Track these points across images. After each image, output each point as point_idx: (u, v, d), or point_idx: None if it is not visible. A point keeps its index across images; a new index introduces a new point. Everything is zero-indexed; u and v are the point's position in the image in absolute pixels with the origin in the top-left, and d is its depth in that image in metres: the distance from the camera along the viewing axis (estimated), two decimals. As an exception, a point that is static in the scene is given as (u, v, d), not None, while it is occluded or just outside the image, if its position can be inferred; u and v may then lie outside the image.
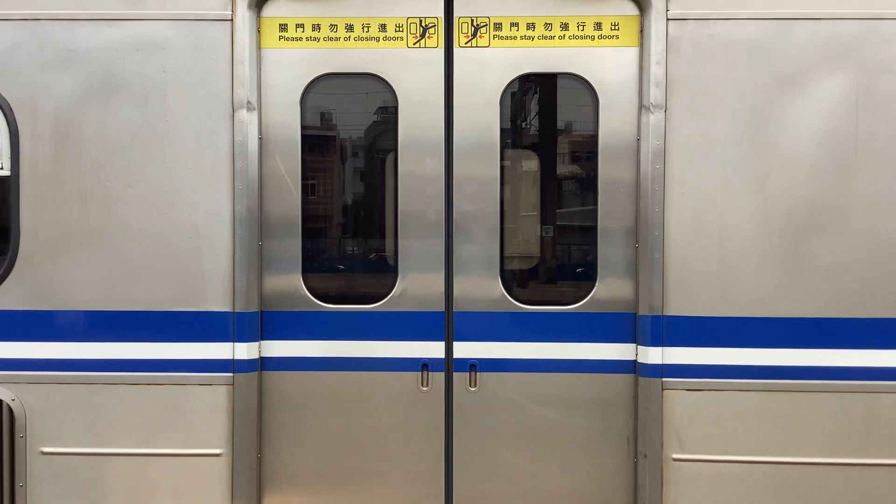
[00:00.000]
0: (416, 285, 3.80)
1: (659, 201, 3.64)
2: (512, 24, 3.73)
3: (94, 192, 3.72)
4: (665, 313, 3.67)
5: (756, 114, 3.62)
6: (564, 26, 3.73)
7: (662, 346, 3.68)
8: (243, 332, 3.73)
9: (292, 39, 3.77)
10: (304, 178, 3.83)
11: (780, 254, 3.65)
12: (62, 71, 3.71)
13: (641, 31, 3.69)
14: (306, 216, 3.85)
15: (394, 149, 3.80)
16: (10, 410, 3.77)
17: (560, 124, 4.05)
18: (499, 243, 3.80)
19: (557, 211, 4.00)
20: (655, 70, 3.63)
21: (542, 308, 3.81)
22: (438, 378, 3.81)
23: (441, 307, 3.80)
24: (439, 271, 3.79)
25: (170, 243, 3.72)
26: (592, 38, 3.73)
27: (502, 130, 3.79)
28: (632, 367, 3.76)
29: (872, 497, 3.69)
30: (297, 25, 3.77)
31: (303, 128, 3.81)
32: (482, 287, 3.79)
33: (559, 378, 3.80)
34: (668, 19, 3.63)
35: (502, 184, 3.81)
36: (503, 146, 3.79)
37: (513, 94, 3.84)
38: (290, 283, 3.82)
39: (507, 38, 3.74)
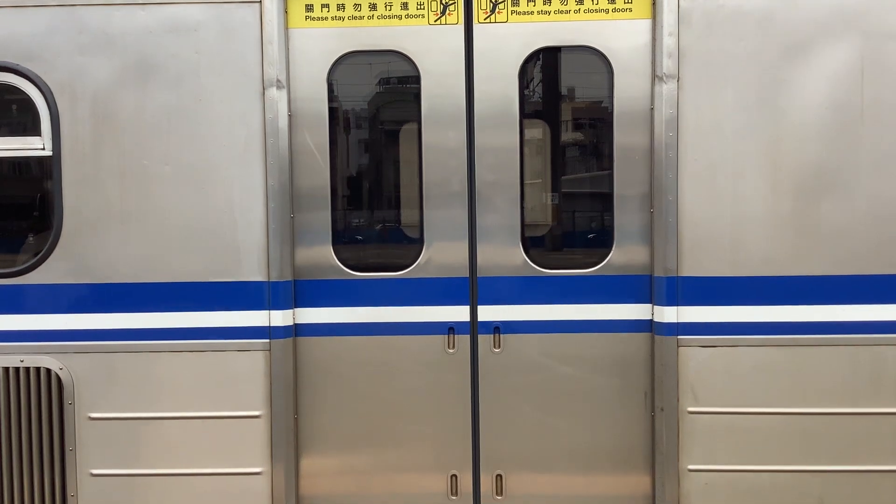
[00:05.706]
0: (442, 253, 3.94)
1: (672, 167, 3.76)
2: (528, 0, 3.86)
3: (132, 171, 3.85)
4: (679, 274, 3.81)
5: (765, 82, 3.73)
6: (579, 0, 3.85)
7: (677, 305, 3.82)
8: (278, 300, 3.89)
9: (318, 19, 3.89)
10: (332, 151, 3.96)
11: (789, 215, 3.77)
12: (99, 55, 3.82)
13: (654, 3, 3.79)
14: (335, 188, 3.99)
15: (417, 122, 3.93)
16: (59, 379, 3.93)
17: (575, 95, 4.17)
18: (519, 211, 3.93)
19: (573, 178, 4.14)
20: (668, 41, 3.74)
21: (562, 272, 3.96)
22: (464, 340, 3.97)
23: (465, 273, 3.95)
24: (463, 239, 3.94)
25: (206, 218, 3.86)
26: (606, 11, 3.85)
27: (521, 102, 3.90)
28: (648, 326, 3.92)
29: (879, 444, 3.84)
30: (323, 5, 3.89)
31: (330, 104, 3.94)
32: (504, 253, 3.93)
33: (579, 338, 3.95)
34: None
35: (522, 153, 3.93)
36: (522, 117, 3.91)
37: (531, 67, 3.96)
38: (321, 253, 3.97)
39: (524, 13, 3.85)
